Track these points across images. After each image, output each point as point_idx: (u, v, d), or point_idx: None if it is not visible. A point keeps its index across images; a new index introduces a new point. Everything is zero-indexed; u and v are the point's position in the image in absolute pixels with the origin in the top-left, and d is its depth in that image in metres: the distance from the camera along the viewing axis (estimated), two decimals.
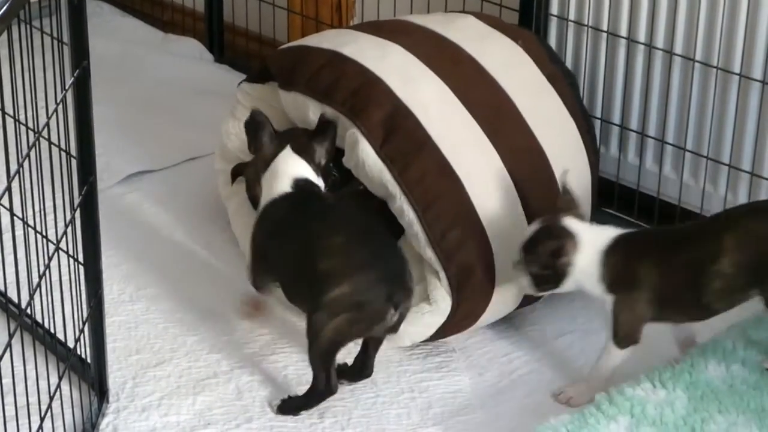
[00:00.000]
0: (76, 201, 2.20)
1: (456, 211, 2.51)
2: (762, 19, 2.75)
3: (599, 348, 2.41)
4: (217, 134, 3.05)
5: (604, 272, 2.35)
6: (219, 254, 2.76)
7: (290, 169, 2.52)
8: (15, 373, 1.97)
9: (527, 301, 2.65)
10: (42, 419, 2.10)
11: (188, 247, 3.02)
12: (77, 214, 2.22)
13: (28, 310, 2.03)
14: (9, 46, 2.00)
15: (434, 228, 2.49)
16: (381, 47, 2.74)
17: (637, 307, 2.34)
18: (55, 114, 2.11)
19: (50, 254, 2.13)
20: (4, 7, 1.72)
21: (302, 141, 2.55)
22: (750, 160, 2.85)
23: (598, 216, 2.91)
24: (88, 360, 2.39)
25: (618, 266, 2.35)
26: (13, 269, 2.00)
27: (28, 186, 2.07)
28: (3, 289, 2.15)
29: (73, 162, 2.22)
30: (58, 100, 2.11)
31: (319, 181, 2.54)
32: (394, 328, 2.38)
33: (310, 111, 2.68)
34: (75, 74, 2.13)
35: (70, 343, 2.30)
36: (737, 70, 2.81)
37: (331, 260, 2.34)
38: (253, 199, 2.76)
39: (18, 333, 1.94)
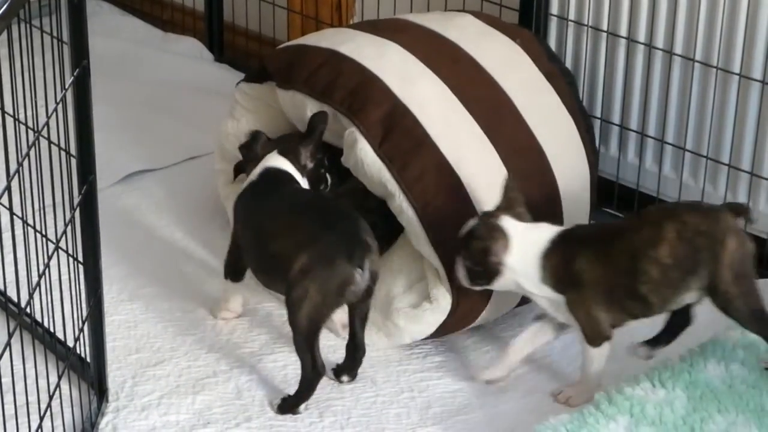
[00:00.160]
0: (76, 200, 2.20)
1: (455, 209, 2.51)
2: (762, 19, 2.75)
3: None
4: (217, 134, 3.05)
5: (546, 274, 2.35)
6: (218, 254, 2.76)
7: (267, 163, 2.57)
8: (14, 372, 1.97)
9: (527, 299, 2.64)
10: (41, 418, 2.10)
11: (188, 246, 3.02)
12: (77, 214, 2.22)
13: (28, 309, 2.03)
14: (9, 45, 2.00)
15: (435, 224, 2.49)
16: (379, 46, 2.74)
17: (589, 305, 2.34)
18: (54, 113, 2.11)
19: (50, 253, 2.13)
20: (4, 6, 1.72)
21: (290, 145, 2.60)
22: (750, 160, 2.86)
23: (598, 216, 2.91)
24: (88, 359, 2.39)
25: (559, 266, 2.35)
26: (13, 268, 2.00)
27: (27, 185, 2.07)
28: (3, 288, 2.15)
29: (73, 161, 2.22)
30: (57, 100, 2.11)
31: (303, 181, 2.57)
32: (369, 292, 2.38)
33: (308, 109, 2.68)
34: (75, 73, 2.13)
35: (70, 343, 2.30)
36: (737, 70, 2.81)
37: (283, 240, 2.38)
38: None
39: (18, 332, 1.95)
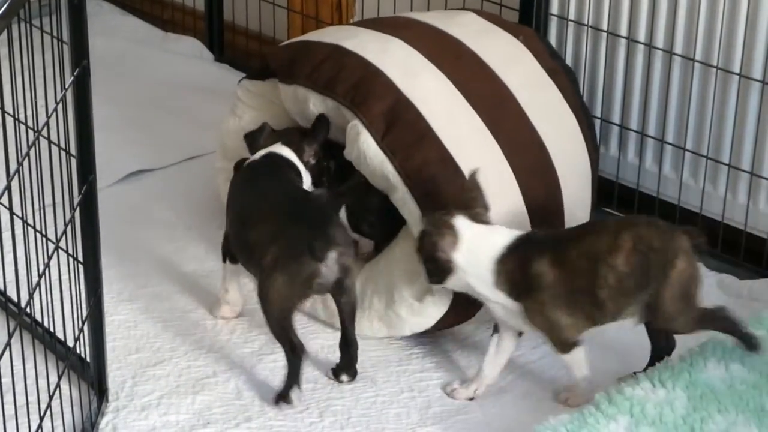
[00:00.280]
0: (76, 200, 2.20)
1: (457, 202, 2.52)
2: (762, 19, 2.75)
3: (599, 348, 2.41)
4: (217, 133, 3.05)
5: (500, 279, 2.34)
6: (219, 253, 2.76)
7: (271, 149, 2.65)
8: (14, 372, 1.97)
9: None
10: (41, 418, 2.10)
11: (188, 246, 3.02)
12: (77, 213, 2.22)
13: (28, 309, 2.03)
14: (9, 45, 2.00)
15: None
16: (382, 41, 2.74)
17: (548, 311, 2.33)
18: (55, 113, 2.11)
19: (50, 253, 2.13)
20: (5, 6, 1.72)
21: (294, 138, 2.66)
22: (750, 159, 2.86)
23: (598, 215, 2.91)
24: (88, 359, 2.39)
25: (515, 271, 2.34)
26: (13, 268, 2.00)
27: (27, 185, 2.07)
28: (2, 288, 2.15)
29: (73, 161, 2.22)
30: (58, 99, 2.11)
31: (306, 174, 2.63)
32: (342, 285, 2.41)
33: (311, 104, 2.69)
34: (75, 73, 2.13)
35: (70, 342, 2.30)
36: (737, 69, 2.81)
37: (259, 230, 2.44)
38: None
39: (17, 332, 1.94)
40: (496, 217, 2.53)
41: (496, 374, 2.46)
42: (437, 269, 2.38)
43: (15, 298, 2.54)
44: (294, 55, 2.78)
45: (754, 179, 2.86)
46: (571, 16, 3.09)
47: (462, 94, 2.65)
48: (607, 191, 3.05)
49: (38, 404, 2.16)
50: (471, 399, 2.46)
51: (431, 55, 2.70)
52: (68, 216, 2.19)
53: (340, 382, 2.50)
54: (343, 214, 2.66)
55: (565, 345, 2.37)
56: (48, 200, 2.21)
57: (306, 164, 2.64)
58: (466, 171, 2.53)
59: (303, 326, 2.69)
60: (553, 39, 3.12)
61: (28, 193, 2.07)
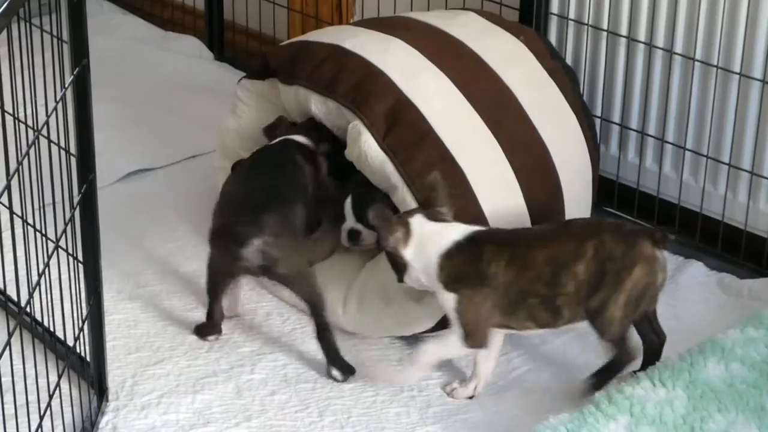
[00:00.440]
0: (76, 199, 2.20)
1: (459, 202, 2.52)
2: (762, 18, 2.75)
3: (597, 348, 2.41)
4: (217, 132, 3.04)
5: (442, 273, 2.36)
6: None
7: (289, 135, 2.75)
8: (14, 371, 1.97)
9: None
10: (41, 418, 2.10)
11: (188, 245, 3.02)
12: (77, 213, 2.22)
13: (28, 309, 2.03)
14: (9, 44, 2.00)
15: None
16: (383, 41, 2.74)
17: (482, 308, 2.34)
18: (54, 112, 2.11)
19: (50, 252, 2.13)
20: (4, 5, 1.72)
21: (314, 127, 2.75)
22: (750, 159, 2.85)
23: (598, 214, 2.91)
24: (88, 358, 2.39)
25: (460, 265, 2.35)
26: (13, 267, 1.99)
27: (27, 184, 2.07)
28: (2, 287, 2.15)
29: (73, 160, 2.21)
30: (57, 98, 2.11)
31: (323, 163, 2.73)
32: (270, 273, 2.50)
33: (312, 104, 2.69)
34: (75, 72, 2.13)
35: (70, 342, 2.30)
36: (737, 69, 2.81)
37: (222, 199, 2.66)
38: None
39: (17, 331, 1.94)
40: (497, 216, 2.54)
41: (491, 369, 2.47)
42: (396, 266, 2.42)
43: (15, 298, 2.54)
44: (294, 55, 2.78)
45: (755, 179, 2.85)
46: (572, 15, 3.09)
47: (463, 94, 2.65)
48: (607, 191, 3.04)
49: (38, 403, 2.15)
50: (471, 398, 2.47)
51: (432, 55, 2.70)
52: (68, 215, 2.19)
53: (335, 379, 2.50)
54: (348, 204, 2.66)
55: (476, 341, 2.38)
56: (48, 199, 2.21)
57: (322, 154, 2.72)
58: (467, 171, 2.54)
59: (302, 326, 2.69)
60: (553, 38, 3.12)
61: (27, 193, 2.07)
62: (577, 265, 2.29)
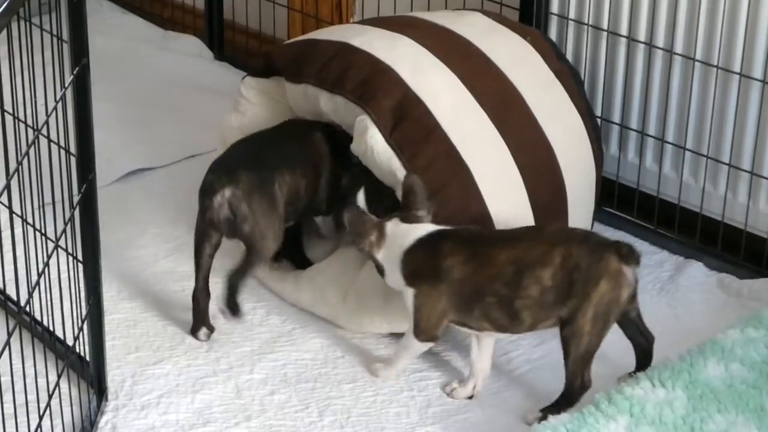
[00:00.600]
0: (76, 198, 2.20)
1: (463, 198, 2.52)
2: (762, 18, 2.75)
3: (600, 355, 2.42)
4: (217, 132, 3.04)
5: (405, 269, 2.39)
6: (218, 252, 2.76)
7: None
8: (14, 371, 1.97)
9: None
10: (41, 417, 2.10)
11: (188, 245, 3.00)
12: (76, 212, 2.22)
13: (27, 308, 2.03)
14: (8, 44, 2.00)
15: (441, 214, 2.50)
16: (390, 38, 2.74)
17: (437, 302, 2.36)
18: (54, 111, 2.11)
19: (49, 252, 2.13)
20: (4, 4, 1.72)
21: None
22: (750, 159, 2.85)
23: (598, 214, 2.91)
24: (87, 358, 2.39)
25: (420, 260, 2.37)
26: (12, 267, 1.99)
27: (27, 183, 2.07)
28: (2, 286, 2.14)
29: (73, 159, 2.21)
30: (57, 98, 2.11)
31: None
32: (233, 228, 2.54)
33: (321, 102, 2.69)
34: (74, 72, 2.13)
35: (69, 341, 2.30)
36: (737, 69, 2.81)
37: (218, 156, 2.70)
38: None
39: (17, 331, 1.94)
40: (501, 215, 2.54)
41: (488, 365, 2.47)
42: (377, 268, 2.46)
43: (14, 297, 2.54)
44: (300, 53, 2.78)
45: (755, 179, 2.85)
46: (572, 15, 3.09)
47: (470, 91, 2.65)
48: (607, 190, 3.04)
49: (38, 403, 2.15)
50: (470, 397, 2.47)
51: (439, 53, 2.70)
52: (68, 215, 2.19)
53: (222, 313, 2.58)
54: (361, 196, 2.66)
55: (426, 336, 2.40)
56: (48, 199, 2.21)
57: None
58: (473, 168, 2.54)
59: (302, 326, 2.69)
60: (553, 38, 3.12)
61: (27, 192, 2.07)
62: (543, 269, 2.29)
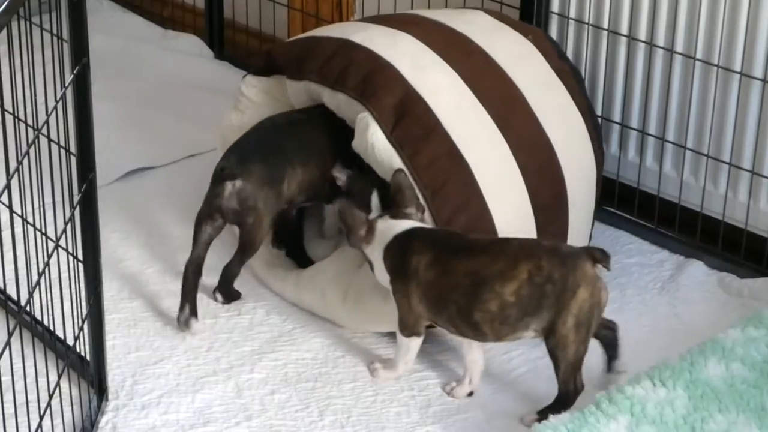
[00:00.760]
0: (76, 198, 2.20)
1: (464, 196, 2.52)
2: (763, 17, 2.74)
3: (596, 349, 2.41)
4: (217, 131, 3.04)
5: (385, 264, 2.43)
6: (218, 252, 2.76)
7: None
8: (14, 370, 1.97)
9: None
10: (41, 417, 2.10)
11: (188, 244, 3.00)
12: (77, 212, 2.22)
13: (28, 308, 2.03)
14: (9, 43, 2.00)
15: (442, 212, 2.50)
16: (391, 36, 2.74)
17: (410, 297, 2.38)
18: (54, 111, 2.11)
19: (50, 252, 2.13)
20: (4, 4, 1.72)
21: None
22: (750, 158, 2.85)
23: (598, 214, 2.91)
24: (88, 358, 2.39)
25: (396, 256, 2.41)
26: (13, 266, 1.99)
27: (27, 183, 2.06)
28: (2, 286, 2.15)
29: (73, 159, 2.21)
30: (57, 97, 2.10)
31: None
32: (239, 219, 2.61)
33: (324, 99, 2.69)
34: (75, 71, 2.13)
35: (70, 341, 2.30)
36: (738, 68, 2.81)
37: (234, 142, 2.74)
38: None
39: (17, 330, 1.94)
40: (502, 214, 2.53)
41: (479, 357, 2.46)
42: (369, 264, 2.49)
43: (15, 297, 2.54)
44: (302, 50, 2.78)
45: (755, 178, 2.85)
46: (572, 14, 3.09)
47: (471, 89, 2.65)
48: (607, 190, 3.04)
49: (38, 403, 2.15)
50: (470, 394, 2.46)
51: (441, 51, 2.70)
52: (68, 214, 2.19)
53: (216, 300, 2.72)
54: (375, 198, 2.65)
55: (407, 330, 2.43)
56: (48, 198, 2.21)
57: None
58: (474, 166, 2.54)
59: (302, 325, 2.69)
60: (553, 37, 3.12)
61: (27, 192, 2.07)
62: (504, 285, 2.28)
